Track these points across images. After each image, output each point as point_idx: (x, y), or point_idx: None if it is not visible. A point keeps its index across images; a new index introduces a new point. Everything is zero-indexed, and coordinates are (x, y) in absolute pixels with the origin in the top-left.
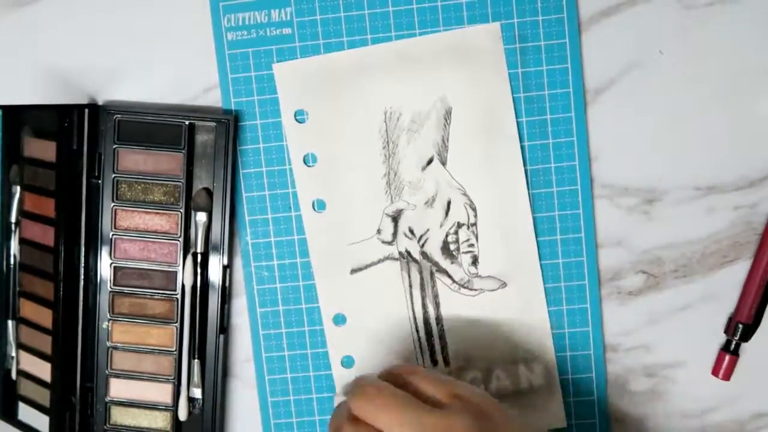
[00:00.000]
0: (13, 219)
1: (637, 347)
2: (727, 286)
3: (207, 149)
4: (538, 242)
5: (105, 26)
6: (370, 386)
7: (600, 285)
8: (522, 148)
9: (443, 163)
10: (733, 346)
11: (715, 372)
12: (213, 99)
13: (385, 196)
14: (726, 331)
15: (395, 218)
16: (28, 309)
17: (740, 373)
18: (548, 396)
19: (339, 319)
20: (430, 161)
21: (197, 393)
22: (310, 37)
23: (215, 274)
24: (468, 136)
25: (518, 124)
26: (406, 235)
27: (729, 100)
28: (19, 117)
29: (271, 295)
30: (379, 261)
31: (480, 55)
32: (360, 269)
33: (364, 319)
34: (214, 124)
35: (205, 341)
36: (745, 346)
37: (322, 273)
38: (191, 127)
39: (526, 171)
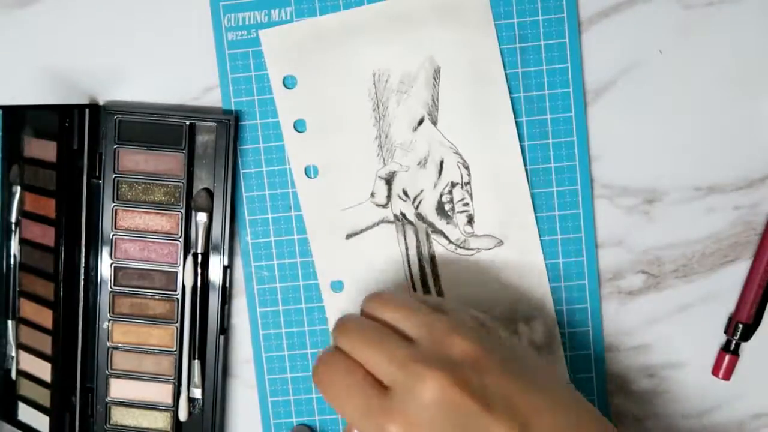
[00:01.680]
0: (13, 219)
1: (637, 347)
2: (727, 286)
3: (207, 149)
4: (534, 203)
5: (105, 26)
6: (350, 322)
7: (600, 285)
8: (522, 147)
9: (434, 123)
10: (733, 345)
11: (715, 372)
12: (213, 99)
13: (378, 158)
14: (726, 331)
15: (389, 181)
16: (28, 309)
17: (740, 373)
18: (549, 354)
19: (337, 286)
20: (420, 122)
21: (197, 393)
22: None
23: (215, 274)
24: (457, 95)
25: (518, 124)
26: (400, 198)
27: (729, 100)
28: (20, 117)
29: (271, 295)
30: (374, 225)
31: (466, 11)
32: (355, 234)
33: (362, 284)
34: (215, 124)
35: (205, 341)
36: (745, 346)
37: (318, 240)
38: (192, 127)
39: (517, 123)
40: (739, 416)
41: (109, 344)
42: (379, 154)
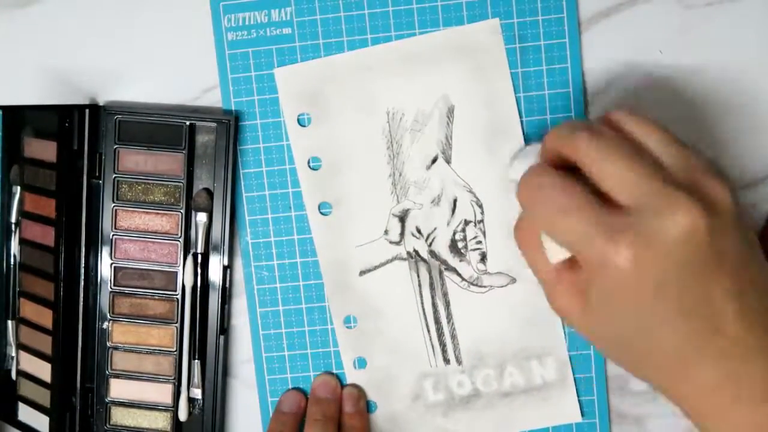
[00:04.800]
0: (13, 219)
1: None
2: None
3: (207, 150)
4: None
5: (105, 26)
6: (601, 130)
7: None
8: None
9: (448, 162)
10: None
11: None
12: (213, 99)
13: (391, 196)
14: None
15: (402, 218)
16: (28, 309)
17: None
18: (562, 390)
19: (349, 321)
20: (434, 160)
21: (197, 393)
22: (310, 37)
23: (215, 274)
24: (471, 134)
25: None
26: (413, 235)
27: (729, 99)
28: (20, 117)
29: (271, 295)
30: (388, 262)
31: (480, 52)
32: (368, 270)
33: (375, 320)
34: (215, 124)
35: (205, 341)
36: None
37: (331, 276)
38: (192, 127)
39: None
40: None
41: (109, 344)
42: (393, 191)
